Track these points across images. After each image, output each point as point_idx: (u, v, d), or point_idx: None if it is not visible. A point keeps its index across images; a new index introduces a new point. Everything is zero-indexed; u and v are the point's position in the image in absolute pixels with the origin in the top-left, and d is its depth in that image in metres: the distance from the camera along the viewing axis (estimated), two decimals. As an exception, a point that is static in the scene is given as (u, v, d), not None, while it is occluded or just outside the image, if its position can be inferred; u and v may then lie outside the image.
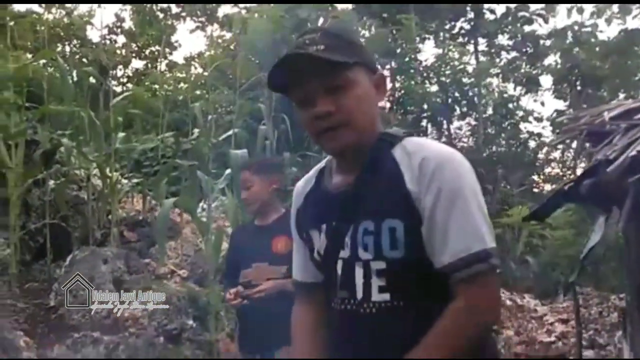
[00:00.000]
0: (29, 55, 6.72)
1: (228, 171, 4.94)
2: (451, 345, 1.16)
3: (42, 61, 5.97)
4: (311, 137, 1.30)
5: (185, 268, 5.64)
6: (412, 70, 13.64)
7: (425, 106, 12.84)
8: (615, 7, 13.22)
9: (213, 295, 4.77)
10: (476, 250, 1.14)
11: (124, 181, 6.66)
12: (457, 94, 13.68)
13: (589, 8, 14.24)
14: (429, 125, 13.75)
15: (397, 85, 13.57)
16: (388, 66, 14.02)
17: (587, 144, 3.48)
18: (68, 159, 5.84)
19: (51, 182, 5.43)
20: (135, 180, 7.07)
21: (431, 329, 1.17)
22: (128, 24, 16.30)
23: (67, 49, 14.24)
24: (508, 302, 7.47)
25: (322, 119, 1.23)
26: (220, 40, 16.97)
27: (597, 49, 14.07)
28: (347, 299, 1.27)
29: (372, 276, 1.23)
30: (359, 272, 1.24)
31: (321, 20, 13.05)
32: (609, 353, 5.38)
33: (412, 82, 13.26)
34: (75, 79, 6.74)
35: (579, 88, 14.35)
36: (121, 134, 6.51)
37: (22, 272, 5.00)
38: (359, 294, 1.24)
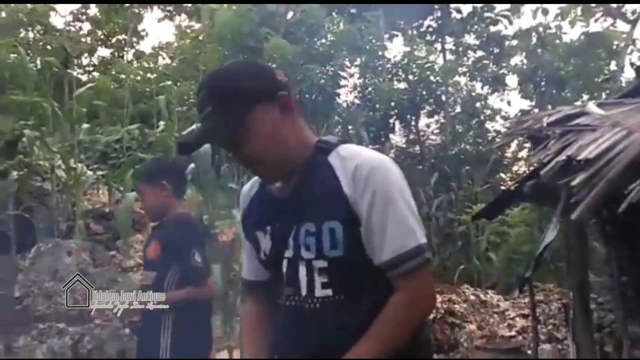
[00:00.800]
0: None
1: (192, 165, 4.89)
2: (395, 334, 1.28)
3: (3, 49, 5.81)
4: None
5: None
6: (379, 68, 13.76)
7: (393, 103, 12.97)
8: (579, 10, 13.55)
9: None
10: (411, 247, 1.27)
11: (89, 173, 6.56)
12: (424, 92, 13.83)
13: (553, 10, 14.59)
14: (397, 123, 13.88)
15: (365, 82, 13.67)
16: (356, 62, 14.11)
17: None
18: (31, 149, 5.72)
19: (14, 173, 5.31)
20: (100, 172, 6.97)
21: (375, 321, 1.28)
22: (93, 10, 15.91)
23: (30, 35, 13.85)
24: (472, 297, 7.65)
25: (241, 163, 1.36)
26: (188, 31, 16.77)
27: (561, 50, 14.43)
28: (292, 296, 1.35)
29: (315, 274, 1.32)
30: (302, 271, 1.33)
31: (290, 14, 13.06)
32: (566, 347, 5.57)
33: (380, 80, 13.38)
34: (38, 67, 6.61)
35: (543, 88, 14.68)
36: (85, 125, 6.40)
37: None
38: (303, 291, 1.33)
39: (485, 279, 8.70)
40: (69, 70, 7.88)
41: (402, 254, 1.26)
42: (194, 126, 5.95)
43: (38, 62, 6.91)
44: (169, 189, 2.73)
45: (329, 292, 1.31)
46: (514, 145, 14.48)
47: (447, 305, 6.83)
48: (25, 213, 5.14)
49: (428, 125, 15.77)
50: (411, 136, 14.92)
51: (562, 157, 2.56)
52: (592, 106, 3.09)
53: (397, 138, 14.93)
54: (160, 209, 2.74)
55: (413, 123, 14.72)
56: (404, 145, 15.08)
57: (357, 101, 13.77)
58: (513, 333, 6.35)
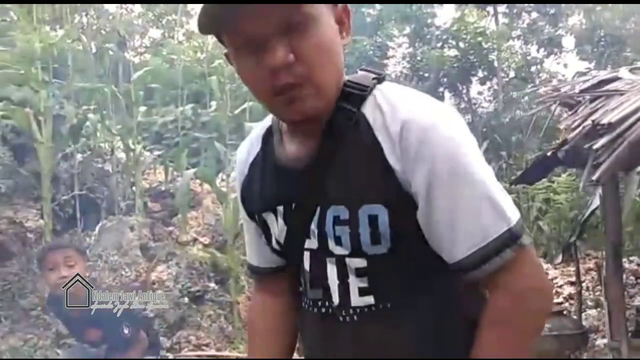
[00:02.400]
0: (48, 29, 6.92)
1: (244, 143, 5.16)
2: (515, 344, 0.90)
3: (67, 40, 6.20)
4: (259, 99, 0.95)
5: (207, 235, 5.93)
6: (428, 36, 13.61)
7: (443, 72, 12.85)
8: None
9: (233, 260, 5.07)
10: (501, 232, 0.86)
11: (146, 153, 6.94)
12: (476, 59, 13.60)
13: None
14: (447, 91, 13.76)
15: (414, 51, 13.56)
16: (405, 31, 13.99)
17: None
18: (94, 133, 6.12)
19: (78, 156, 5.72)
20: (157, 152, 7.35)
21: (475, 342, 0.91)
22: (144, -8, 16.35)
23: (85, 20, 14.43)
24: (521, 266, 7.66)
25: (279, 72, 0.87)
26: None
27: (621, 7, 13.82)
28: (321, 301, 1.00)
29: (350, 275, 0.96)
30: (331, 270, 0.97)
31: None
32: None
33: (429, 48, 13.25)
34: (94, 51, 6.98)
35: (602, 49, 14.15)
36: (142, 108, 6.77)
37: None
38: (335, 298, 0.98)
39: (535, 248, 8.66)
40: (124, 54, 8.26)
41: (488, 244, 0.86)
42: (245, 105, 6.19)
43: (93, 46, 7.29)
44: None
45: (370, 299, 0.96)
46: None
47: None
48: (89, 193, 5.55)
49: (480, 93, 15.53)
50: (462, 105, 14.76)
51: (588, 122, 2.61)
52: (624, 71, 3.09)
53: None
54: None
55: (464, 91, 14.55)
56: (456, 115, 14.90)
57: (405, 71, 13.71)
58: (560, 300, 6.38)
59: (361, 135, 0.92)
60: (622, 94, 2.76)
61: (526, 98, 14.56)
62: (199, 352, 3.94)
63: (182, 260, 5.07)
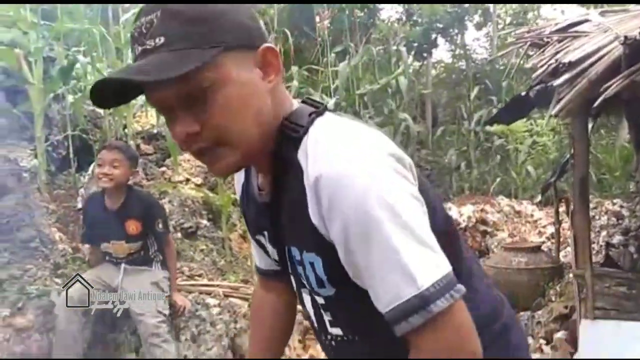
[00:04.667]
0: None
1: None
2: None
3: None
4: None
5: (199, 176, 6.07)
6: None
7: (437, 17, 12.71)
8: None
9: (224, 199, 5.23)
10: (408, 298, 0.82)
11: (138, 96, 6.97)
12: (471, 4, 13.43)
13: None
14: (440, 37, 13.64)
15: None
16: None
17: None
18: (84, 74, 6.16)
19: (70, 97, 5.77)
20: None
21: None
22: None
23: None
24: (506, 208, 7.88)
25: (187, 142, 0.89)
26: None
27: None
28: (309, 319, 1.09)
29: (320, 309, 1.02)
30: (307, 300, 1.05)
31: None
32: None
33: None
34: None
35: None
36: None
37: (48, 182, 5.46)
38: (315, 324, 1.07)
39: (522, 192, 8.87)
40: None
41: (398, 306, 0.82)
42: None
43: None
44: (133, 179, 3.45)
45: (339, 331, 1.02)
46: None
47: (479, 215, 7.11)
48: (82, 134, 5.64)
49: (477, 39, 15.43)
50: (457, 51, 14.67)
51: (552, 60, 2.71)
52: (594, 14, 3.17)
53: (443, 54, 14.72)
54: (120, 186, 3.38)
55: (459, 37, 14.42)
56: (450, 61, 14.87)
57: (398, 16, 13.57)
58: (543, 239, 6.61)
59: (296, 180, 0.89)
60: (586, 35, 2.85)
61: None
62: (192, 282, 4.14)
63: (175, 198, 5.22)
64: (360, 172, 0.82)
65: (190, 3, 0.86)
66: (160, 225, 3.48)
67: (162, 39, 0.83)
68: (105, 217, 3.45)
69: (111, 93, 0.88)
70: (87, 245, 3.90)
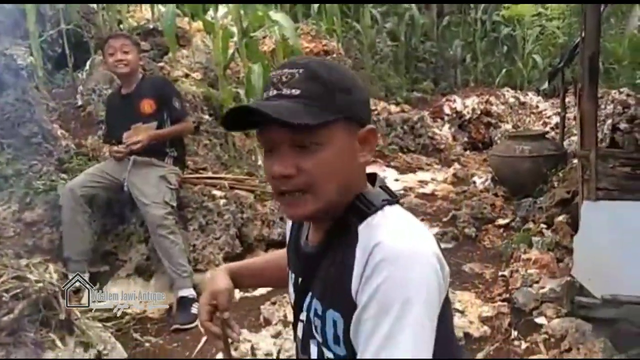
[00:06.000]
0: None
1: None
2: None
3: None
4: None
5: (199, 71, 5.95)
6: None
7: None
8: None
9: (225, 94, 5.16)
10: None
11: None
12: None
13: None
14: None
15: None
16: None
17: None
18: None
19: (60, -10, 5.55)
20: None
21: None
22: None
23: None
24: (511, 100, 7.78)
25: (280, 180, 0.99)
26: None
27: None
28: None
29: None
30: (313, 350, 1.08)
31: None
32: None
33: None
34: None
35: None
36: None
37: (46, 80, 5.37)
38: None
39: (528, 83, 8.71)
40: None
41: None
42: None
43: None
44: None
45: None
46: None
47: (484, 107, 7.04)
48: (76, 28, 5.47)
49: None
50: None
51: None
52: None
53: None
54: (134, 71, 3.51)
55: None
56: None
57: None
58: (547, 129, 6.58)
59: (348, 248, 0.96)
60: None
61: None
62: (197, 175, 4.17)
63: (175, 94, 5.14)
64: (412, 263, 0.89)
65: (332, 69, 0.99)
66: (177, 104, 3.54)
67: (298, 92, 0.95)
68: (122, 105, 3.53)
69: (235, 116, 1.00)
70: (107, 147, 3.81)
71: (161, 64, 5.79)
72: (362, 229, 0.97)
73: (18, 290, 2.40)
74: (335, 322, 0.98)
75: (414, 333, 0.86)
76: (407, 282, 0.88)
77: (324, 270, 1.02)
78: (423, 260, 0.91)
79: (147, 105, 3.45)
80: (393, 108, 6.44)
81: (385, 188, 1.07)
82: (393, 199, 1.04)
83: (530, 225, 4.18)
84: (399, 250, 0.90)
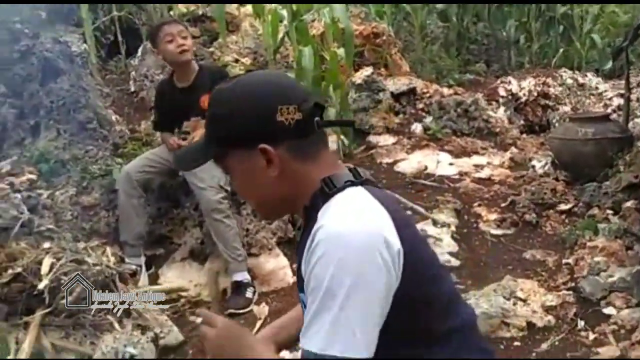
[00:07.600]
0: None
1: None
2: None
3: None
4: None
5: (248, 56, 5.93)
6: None
7: None
8: None
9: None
10: (310, 350, 0.93)
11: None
12: None
13: None
14: None
15: None
16: None
17: None
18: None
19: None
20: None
21: None
22: None
23: None
24: (569, 81, 7.44)
25: None
26: None
27: None
28: None
29: None
30: None
31: None
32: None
33: None
34: None
35: None
36: None
37: (100, 67, 5.45)
38: None
39: (586, 64, 8.32)
40: None
41: (304, 346, 0.95)
42: None
43: None
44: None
45: None
46: None
47: (540, 89, 6.75)
48: (128, 15, 5.52)
49: None
50: None
51: None
52: None
53: None
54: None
55: None
56: None
57: None
58: (609, 111, 6.26)
59: (309, 234, 1.01)
60: None
61: None
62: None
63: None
64: (352, 241, 0.94)
65: (231, 93, 1.12)
66: None
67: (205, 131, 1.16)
68: (180, 98, 3.41)
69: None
70: (159, 133, 3.77)
71: (211, 50, 5.79)
72: (321, 213, 1.02)
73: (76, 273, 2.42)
74: (305, 305, 1.04)
75: (339, 309, 0.91)
76: (338, 261, 0.92)
77: (300, 257, 1.06)
78: (361, 240, 0.94)
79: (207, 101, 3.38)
80: (445, 91, 6.25)
81: (354, 171, 1.10)
82: (358, 180, 1.07)
83: (595, 211, 3.98)
84: (336, 231, 0.95)
